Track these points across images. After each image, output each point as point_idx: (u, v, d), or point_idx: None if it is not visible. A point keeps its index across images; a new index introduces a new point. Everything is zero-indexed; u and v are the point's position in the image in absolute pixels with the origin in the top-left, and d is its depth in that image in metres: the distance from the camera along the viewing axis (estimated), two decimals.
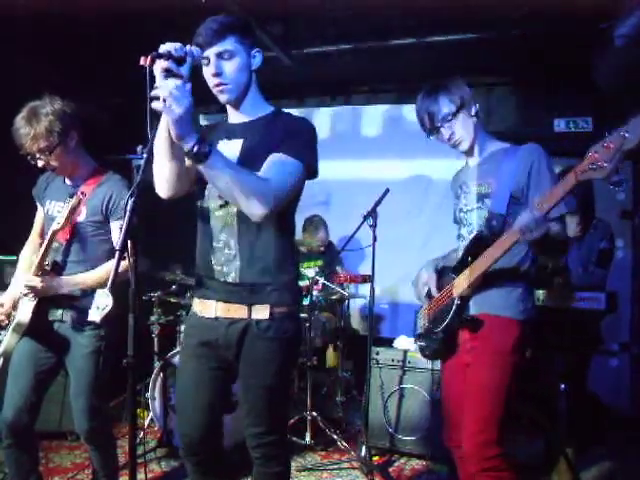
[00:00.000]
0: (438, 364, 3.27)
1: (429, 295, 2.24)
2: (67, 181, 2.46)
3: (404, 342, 3.58)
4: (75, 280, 2.34)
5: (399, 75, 4.66)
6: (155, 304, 3.76)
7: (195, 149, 1.53)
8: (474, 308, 2.06)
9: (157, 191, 1.80)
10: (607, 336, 3.65)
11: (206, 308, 1.87)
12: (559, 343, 2.96)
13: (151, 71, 1.52)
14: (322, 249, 4.58)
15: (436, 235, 4.67)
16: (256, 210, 1.63)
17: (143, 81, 1.49)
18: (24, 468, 2.38)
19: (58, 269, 2.37)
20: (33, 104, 2.30)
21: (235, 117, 1.87)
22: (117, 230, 2.38)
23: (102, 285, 2.29)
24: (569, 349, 2.98)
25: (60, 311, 2.36)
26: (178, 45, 1.57)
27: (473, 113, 2.08)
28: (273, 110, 1.88)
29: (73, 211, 2.24)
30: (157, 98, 1.49)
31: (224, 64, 1.75)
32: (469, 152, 2.14)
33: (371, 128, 5.10)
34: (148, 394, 3.40)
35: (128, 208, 1.34)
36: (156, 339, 3.75)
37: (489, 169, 2.08)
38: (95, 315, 1.30)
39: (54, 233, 2.28)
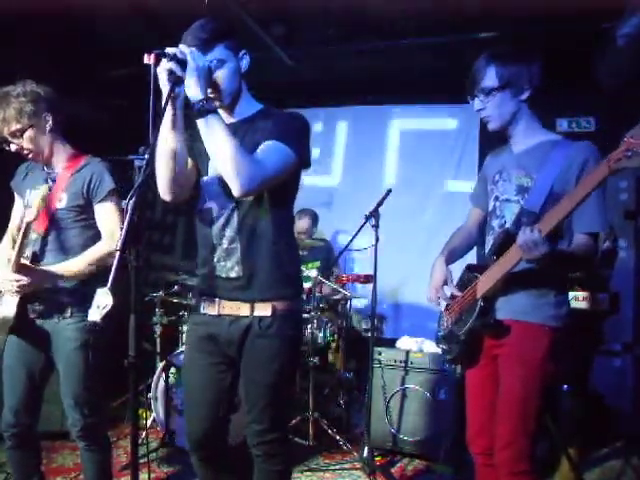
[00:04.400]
0: (440, 364, 3.30)
1: (451, 294, 2.07)
2: (45, 168, 2.36)
3: (406, 342, 3.58)
4: (57, 270, 2.22)
5: (401, 75, 4.66)
6: (157, 304, 3.76)
7: (202, 102, 1.61)
8: (501, 312, 1.90)
9: (160, 194, 1.82)
10: (610, 336, 3.64)
11: (209, 305, 1.89)
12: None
13: (155, 70, 1.55)
14: (307, 236, 4.53)
15: (439, 235, 4.66)
16: (240, 186, 1.65)
17: (144, 81, 1.49)
18: (27, 469, 2.38)
19: (36, 260, 2.27)
20: (5, 88, 2.23)
21: (226, 119, 1.86)
22: (100, 212, 2.30)
23: (85, 273, 2.25)
24: (571, 349, 2.97)
25: (41, 306, 2.28)
26: (182, 49, 1.62)
27: (523, 98, 1.89)
28: (262, 108, 1.90)
29: (44, 199, 2.11)
30: (166, 55, 1.57)
31: (215, 72, 1.75)
32: (504, 132, 1.97)
33: (373, 128, 5.10)
34: (150, 394, 3.40)
35: (129, 208, 1.34)
36: (158, 339, 3.75)
37: (534, 160, 1.89)
38: (95, 314, 1.30)
39: (28, 225, 2.15)
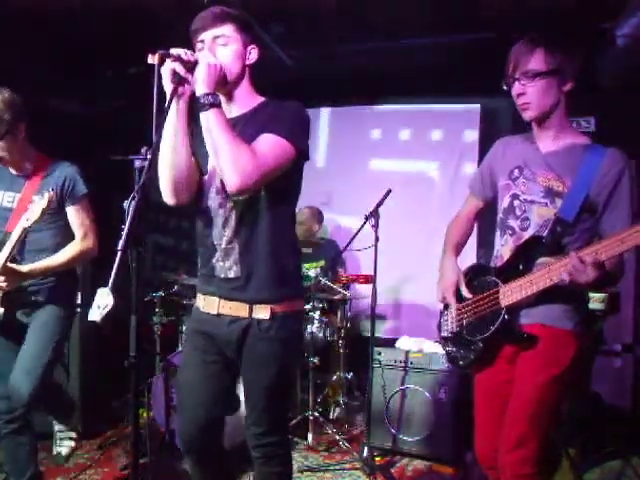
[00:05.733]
0: (439, 365, 3.31)
1: (459, 296, 2.01)
2: (12, 170, 2.46)
3: (406, 342, 3.58)
4: (41, 267, 2.38)
5: (401, 75, 4.66)
6: (157, 305, 3.76)
7: (207, 96, 1.63)
8: (525, 318, 1.84)
9: (164, 198, 1.82)
10: (610, 337, 3.64)
11: (209, 304, 1.88)
12: None
13: (159, 70, 1.57)
14: (308, 235, 4.53)
15: (439, 235, 4.66)
16: (234, 182, 1.64)
17: (145, 81, 1.50)
18: (21, 459, 2.43)
19: (15, 262, 2.38)
20: None
21: (227, 111, 1.84)
22: (74, 214, 2.45)
23: (66, 267, 2.46)
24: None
25: (25, 304, 2.44)
26: (188, 51, 1.64)
27: (566, 89, 1.81)
28: (264, 100, 1.89)
29: (46, 210, 2.22)
30: (170, 55, 1.59)
31: (219, 49, 1.76)
32: (537, 125, 1.87)
33: (373, 128, 5.10)
34: (150, 394, 3.40)
35: (130, 209, 1.34)
36: (158, 339, 3.75)
37: (566, 164, 1.80)
38: (95, 315, 1.30)
39: (24, 230, 2.25)
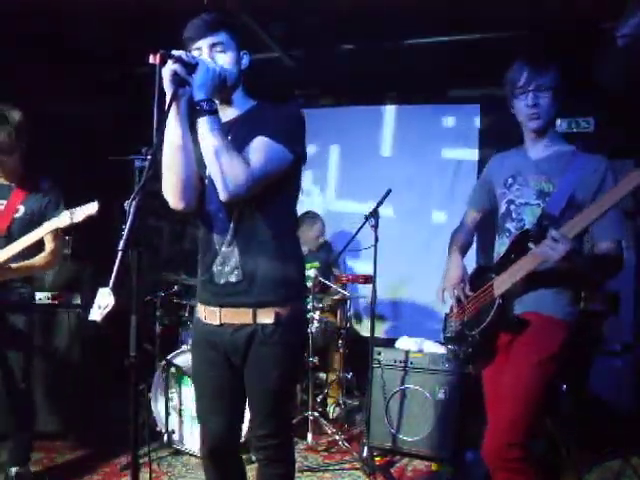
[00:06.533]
0: (439, 365, 3.31)
1: (462, 296, 2.13)
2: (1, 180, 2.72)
3: (406, 342, 3.58)
4: (25, 265, 2.63)
5: (402, 75, 4.66)
6: (157, 305, 3.75)
7: (204, 102, 1.64)
8: (520, 307, 1.97)
9: (170, 204, 1.82)
10: (610, 336, 3.64)
11: (210, 315, 1.86)
12: None
13: (160, 70, 1.56)
14: (321, 240, 4.54)
15: (439, 235, 4.67)
16: (226, 189, 1.66)
17: (145, 81, 1.50)
18: None
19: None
20: (5, 110, 2.55)
21: (223, 114, 1.83)
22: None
23: (38, 271, 2.80)
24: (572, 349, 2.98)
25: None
26: (190, 53, 1.65)
27: (560, 102, 1.99)
28: (256, 104, 1.89)
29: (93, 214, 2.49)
30: (171, 56, 1.58)
31: (217, 56, 1.76)
32: (536, 135, 2.03)
33: (374, 128, 5.10)
34: (150, 394, 3.40)
35: (132, 209, 1.34)
36: (158, 339, 3.75)
37: (556, 168, 1.98)
38: (96, 314, 1.30)
39: (56, 230, 2.55)
